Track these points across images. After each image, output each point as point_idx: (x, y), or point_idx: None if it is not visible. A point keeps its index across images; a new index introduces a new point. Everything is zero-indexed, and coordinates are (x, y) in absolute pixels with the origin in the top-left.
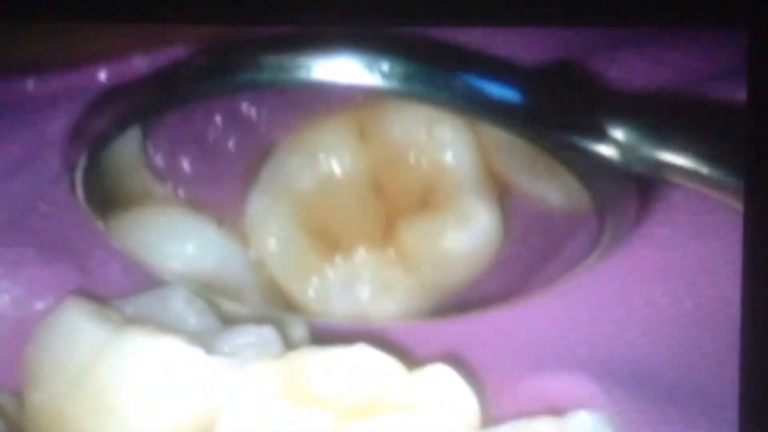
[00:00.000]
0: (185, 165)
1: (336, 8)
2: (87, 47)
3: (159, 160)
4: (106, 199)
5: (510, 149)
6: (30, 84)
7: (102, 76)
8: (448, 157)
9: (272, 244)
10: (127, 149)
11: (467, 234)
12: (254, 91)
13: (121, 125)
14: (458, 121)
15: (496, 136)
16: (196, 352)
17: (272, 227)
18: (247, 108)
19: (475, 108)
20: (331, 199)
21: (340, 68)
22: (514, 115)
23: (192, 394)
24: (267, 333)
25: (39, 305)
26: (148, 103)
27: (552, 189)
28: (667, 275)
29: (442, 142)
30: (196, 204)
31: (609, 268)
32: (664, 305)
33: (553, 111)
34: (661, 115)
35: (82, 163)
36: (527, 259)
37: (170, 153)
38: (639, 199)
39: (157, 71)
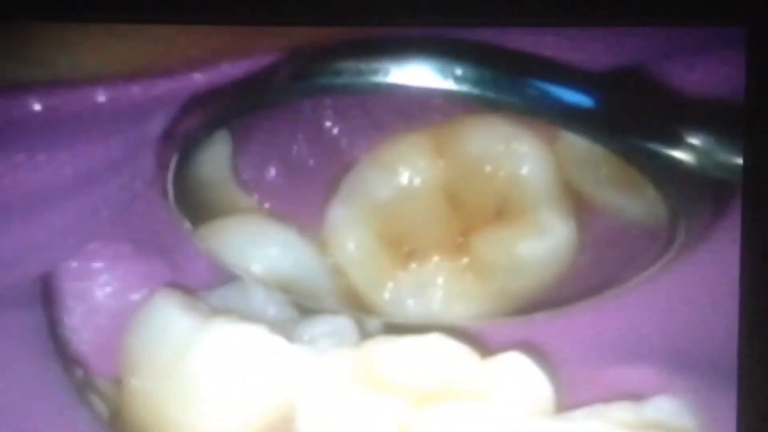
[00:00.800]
0: (270, 179)
1: (408, 10)
2: (185, 53)
3: (247, 174)
4: (197, 204)
5: (588, 163)
6: (135, 89)
7: (198, 81)
8: (525, 170)
9: (350, 250)
10: (218, 162)
11: (542, 244)
12: (332, 95)
13: (208, 127)
14: (536, 136)
15: (574, 150)
16: (278, 340)
17: (350, 235)
18: (329, 126)
19: (548, 113)
20: (408, 209)
21: (414, 73)
22: (587, 120)
23: (273, 380)
24: (343, 323)
25: (134, 297)
26: (233, 106)
27: (628, 203)
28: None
29: (519, 156)
30: (279, 215)
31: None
32: (729, 304)
33: (627, 115)
34: (733, 118)
35: (172, 163)
36: (601, 269)
37: (257, 167)
38: (714, 205)
39: (241, 78)
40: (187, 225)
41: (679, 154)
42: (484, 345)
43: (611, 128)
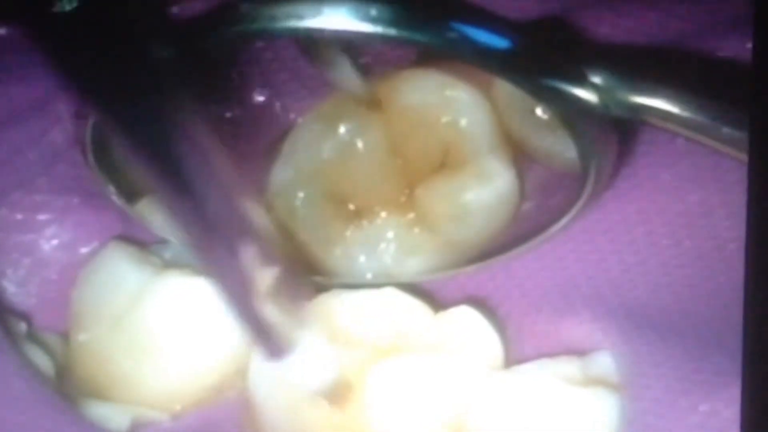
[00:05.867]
0: None
1: None
2: None
3: None
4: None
5: (522, 108)
6: None
7: None
8: (464, 119)
9: (296, 210)
10: None
11: (488, 192)
12: (249, 41)
13: None
14: (471, 84)
15: (509, 96)
16: None
17: (295, 195)
18: (260, 93)
19: (461, 52)
20: (351, 166)
21: (329, 16)
22: (499, 61)
23: (224, 332)
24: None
25: (84, 250)
26: None
27: (568, 145)
28: (669, 217)
29: (456, 105)
30: None
31: (613, 212)
32: (665, 246)
33: (536, 57)
34: (636, 62)
35: (90, 121)
36: (543, 214)
37: None
38: (620, 145)
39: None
40: (110, 188)
41: (583, 93)
42: (435, 300)
43: (522, 69)
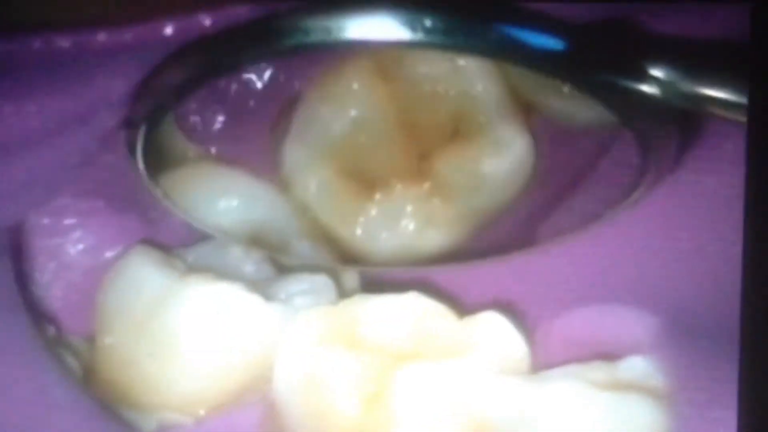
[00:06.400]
0: (213, 123)
1: None
2: (153, 3)
3: (188, 121)
4: (156, 160)
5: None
6: (102, 36)
7: (168, 31)
8: (474, 86)
9: (313, 189)
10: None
11: (503, 159)
12: (302, 54)
13: (178, 92)
14: None
15: None
16: (254, 299)
17: (311, 174)
18: (264, 64)
19: (515, 57)
20: (364, 140)
21: (382, 27)
22: (555, 62)
23: (249, 338)
24: (320, 281)
25: (108, 254)
26: (205, 69)
27: (579, 107)
28: (716, 220)
29: (465, 73)
30: (229, 160)
31: (653, 212)
32: (711, 251)
33: (593, 55)
34: (697, 53)
35: (143, 124)
36: (561, 178)
37: (198, 114)
38: (680, 140)
39: (211, 40)
40: (158, 190)
41: (644, 87)
42: (460, 304)
43: (577, 68)
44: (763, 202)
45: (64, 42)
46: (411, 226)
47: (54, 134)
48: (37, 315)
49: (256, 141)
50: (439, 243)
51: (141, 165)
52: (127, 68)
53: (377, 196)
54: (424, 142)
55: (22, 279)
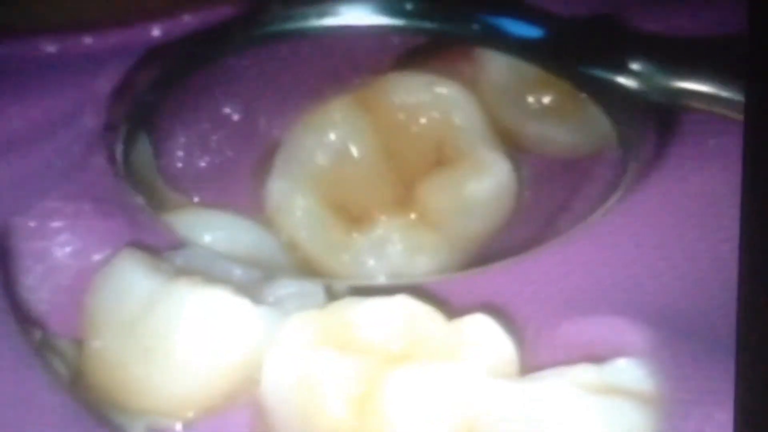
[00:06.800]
0: (193, 172)
1: None
2: (139, 5)
3: (170, 170)
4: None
5: (512, 99)
6: (87, 39)
7: (155, 33)
8: (454, 114)
9: (298, 222)
10: (143, 162)
11: (487, 182)
12: (285, 40)
13: (163, 83)
14: (457, 80)
15: (497, 89)
16: (243, 302)
17: (295, 206)
18: (241, 111)
19: (494, 43)
20: (347, 172)
21: (363, 12)
22: (536, 50)
23: (238, 342)
24: (309, 285)
25: (96, 257)
26: (189, 59)
27: (560, 131)
28: (703, 219)
29: (446, 102)
30: (212, 206)
31: (641, 213)
32: (700, 250)
33: (571, 44)
34: (675, 48)
35: (123, 128)
36: (548, 202)
37: (180, 162)
38: (658, 135)
39: (195, 31)
40: (138, 197)
41: (622, 79)
42: (450, 307)
43: (557, 56)
44: (760, 198)
45: (49, 45)
46: (398, 255)
47: (40, 137)
48: (24, 318)
49: (238, 185)
50: (427, 268)
51: (121, 170)
52: (113, 71)
53: (363, 226)
54: (408, 170)
55: (8, 282)
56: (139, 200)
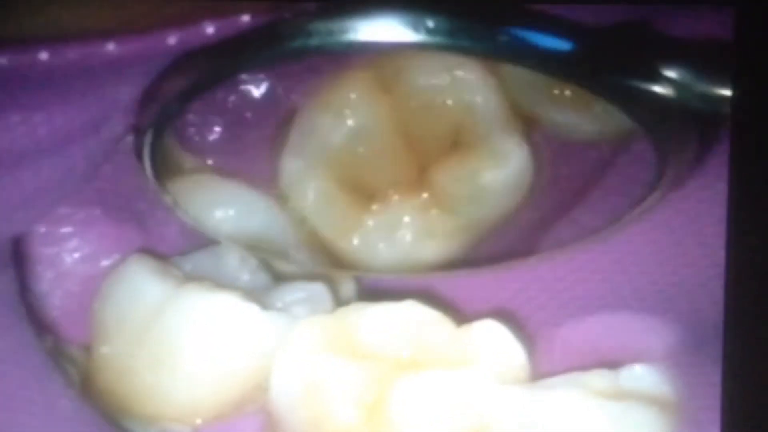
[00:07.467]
0: (211, 135)
1: None
2: (161, 11)
3: (186, 132)
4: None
5: (534, 84)
6: (110, 47)
7: (172, 41)
8: (474, 97)
9: (311, 201)
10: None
11: (501, 170)
12: (305, 57)
13: (186, 94)
14: (479, 63)
15: (519, 73)
16: (251, 307)
17: (309, 185)
18: (262, 76)
19: (522, 59)
20: (362, 151)
21: (386, 28)
22: (564, 64)
23: (246, 346)
24: (317, 289)
25: (105, 262)
26: (210, 73)
27: (580, 119)
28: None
29: (465, 84)
30: (226, 172)
31: (659, 220)
32: (717, 247)
33: (602, 56)
34: (710, 53)
35: (150, 130)
36: (562, 191)
37: (196, 125)
38: (699, 142)
39: (216, 44)
40: (167, 196)
41: (658, 89)
42: (459, 312)
43: (588, 70)
44: (746, 203)
45: (71, 53)
46: (409, 237)
47: (61, 144)
48: (35, 324)
49: (254, 153)
50: (437, 254)
51: (149, 171)
52: (134, 78)
53: (375, 206)
54: (423, 153)
55: (22, 289)
56: (167, 200)
